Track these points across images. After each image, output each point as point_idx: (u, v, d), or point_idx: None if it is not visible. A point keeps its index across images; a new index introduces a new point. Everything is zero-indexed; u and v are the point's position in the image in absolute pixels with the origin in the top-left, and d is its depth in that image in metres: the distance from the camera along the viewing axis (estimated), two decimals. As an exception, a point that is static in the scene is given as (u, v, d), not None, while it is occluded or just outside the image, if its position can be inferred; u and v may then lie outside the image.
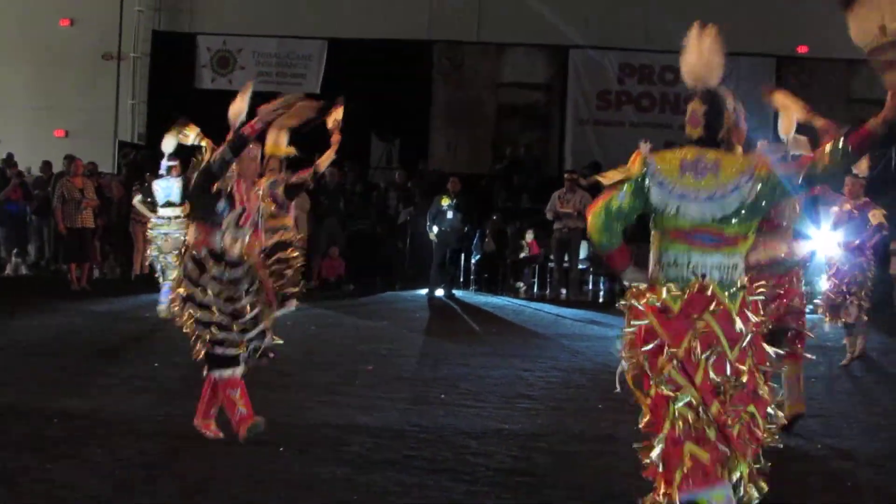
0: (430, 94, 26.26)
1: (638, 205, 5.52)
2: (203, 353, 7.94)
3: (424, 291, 20.61)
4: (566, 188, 20.44)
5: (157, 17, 26.92)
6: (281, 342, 8.31)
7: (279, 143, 11.65)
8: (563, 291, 20.52)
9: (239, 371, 7.94)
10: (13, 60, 26.56)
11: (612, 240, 5.56)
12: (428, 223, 20.79)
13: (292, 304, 12.58)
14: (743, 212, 5.38)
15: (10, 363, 11.42)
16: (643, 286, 5.54)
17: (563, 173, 21.93)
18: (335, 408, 9.47)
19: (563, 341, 14.75)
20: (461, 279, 21.65)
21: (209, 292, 7.84)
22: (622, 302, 5.65)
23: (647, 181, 5.46)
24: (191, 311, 7.89)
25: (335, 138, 11.85)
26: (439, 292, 20.31)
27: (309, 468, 7.36)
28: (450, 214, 20.26)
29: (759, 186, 5.34)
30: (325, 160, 12.30)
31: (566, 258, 20.54)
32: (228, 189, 7.90)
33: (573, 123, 25.85)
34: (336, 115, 11.34)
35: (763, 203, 5.42)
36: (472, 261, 22.22)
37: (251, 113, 7.89)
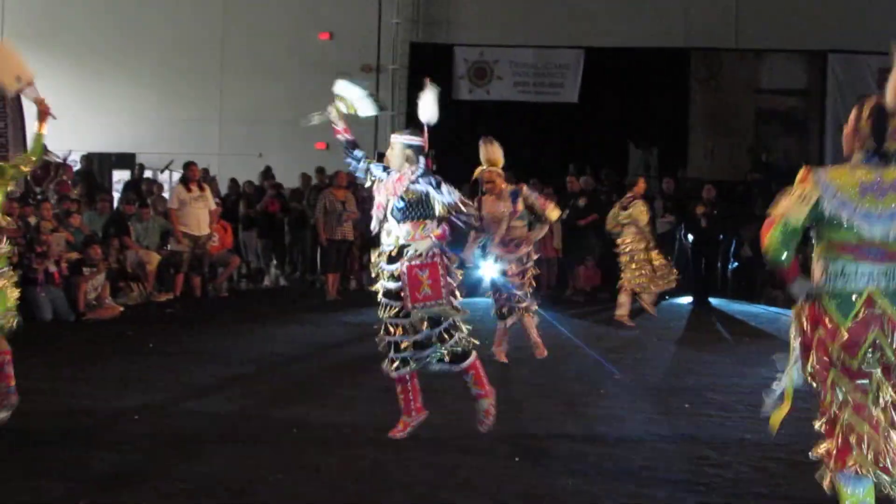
0: (688, 101, 26.01)
1: (809, 222, 5.79)
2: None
3: (685, 300, 20.44)
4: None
5: (414, 28, 27.20)
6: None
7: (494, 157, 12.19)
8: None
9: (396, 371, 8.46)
10: (274, 75, 27.25)
11: (788, 256, 5.77)
12: (682, 231, 20.70)
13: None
14: None
15: (258, 373, 11.85)
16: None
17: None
18: (576, 418, 9.53)
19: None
20: (718, 287, 21.35)
21: None
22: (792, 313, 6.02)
23: (823, 202, 5.70)
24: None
25: None
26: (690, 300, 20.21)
27: (542, 479, 7.45)
28: (703, 222, 20.05)
29: None
30: None
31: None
32: None
33: (832, 129, 25.23)
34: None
35: None
36: (729, 268, 21.93)
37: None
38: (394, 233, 8.43)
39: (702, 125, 26.07)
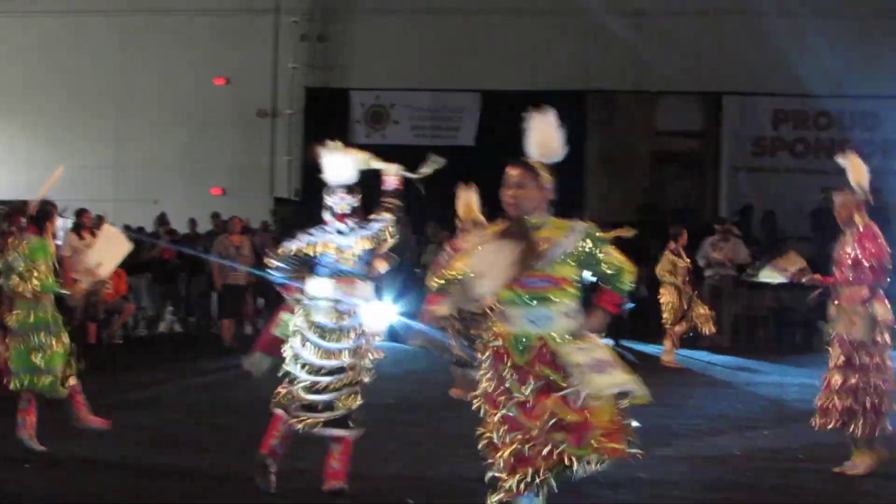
0: (584, 144, 26.01)
1: None
2: None
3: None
4: (718, 237, 20.37)
5: (311, 73, 27.19)
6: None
7: (471, 205, 11.89)
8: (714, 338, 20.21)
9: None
10: (169, 120, 27.18)
11: None
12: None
13: None
14: None
15: (151, 421, 11.77)
16: None
17: (716, 223, 21.61)
18: (469, 459, 9.46)
19: (710, 389, 14.60)
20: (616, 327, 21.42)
21: None
22: None
23: None
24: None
25: None
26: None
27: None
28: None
29: None
30: None
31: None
32: None
33: (728, 170, 25.58)
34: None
35: None
36: (625, 309, 21.97)
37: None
38: None
39: (598, 168, 26.16)
